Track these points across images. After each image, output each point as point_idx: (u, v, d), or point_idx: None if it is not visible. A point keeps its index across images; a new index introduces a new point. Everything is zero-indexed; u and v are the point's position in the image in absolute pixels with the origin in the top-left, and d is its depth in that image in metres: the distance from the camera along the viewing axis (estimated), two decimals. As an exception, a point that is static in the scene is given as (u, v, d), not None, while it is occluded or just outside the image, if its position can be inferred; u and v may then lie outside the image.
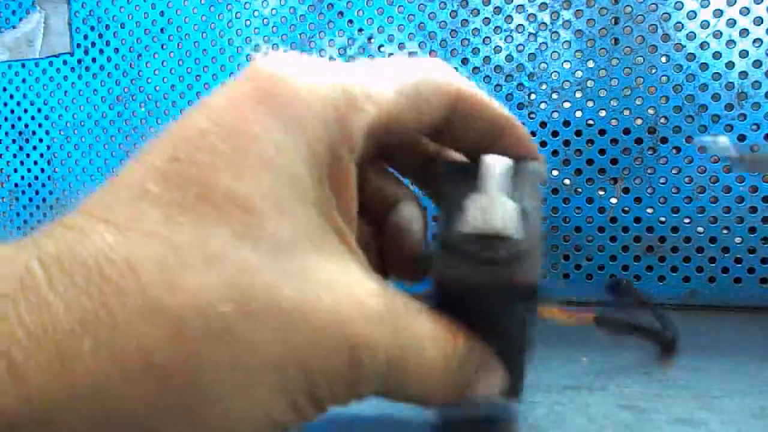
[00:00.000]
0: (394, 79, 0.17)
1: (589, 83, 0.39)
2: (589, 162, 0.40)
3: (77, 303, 0.12)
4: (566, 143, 0.40)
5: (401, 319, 0.15)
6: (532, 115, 0.41)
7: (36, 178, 0.55)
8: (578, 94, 0.40)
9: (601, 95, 0.39)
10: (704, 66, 0.37)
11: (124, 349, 0.12)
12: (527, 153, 0.19)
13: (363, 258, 0.16)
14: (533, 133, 0.41)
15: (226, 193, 0.13)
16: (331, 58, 0.45)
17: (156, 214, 0.13)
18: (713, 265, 0.38)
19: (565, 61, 0.40)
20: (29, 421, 0.11)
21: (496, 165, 0.16)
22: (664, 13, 0.38)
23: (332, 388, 0.14)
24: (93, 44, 0.53)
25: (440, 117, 0.18)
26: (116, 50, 0.52)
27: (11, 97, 0.56)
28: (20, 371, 0.11)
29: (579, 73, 0.40)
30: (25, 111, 0.55)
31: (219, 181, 0.14)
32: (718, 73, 0.37)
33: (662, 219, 0.39)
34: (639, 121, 0.39)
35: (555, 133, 0.40)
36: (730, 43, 0.37)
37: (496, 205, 0.16)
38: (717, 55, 0.37)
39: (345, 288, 0.14)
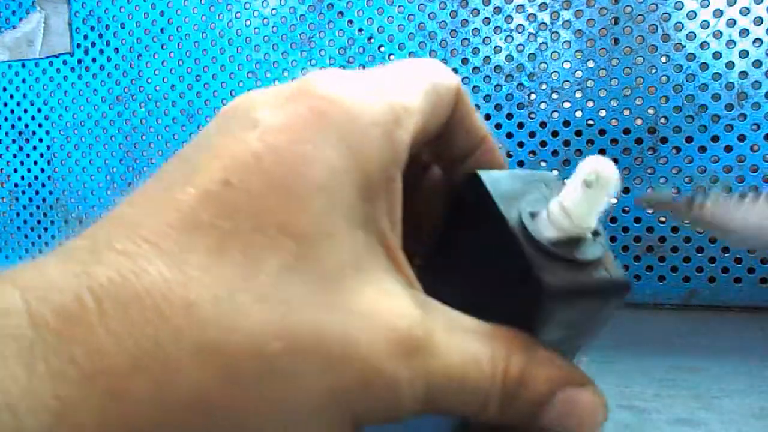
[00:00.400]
0: (417, 83, 0.17)
1: (589, 83, 0.39)
2: (589, 162, 0.40)
3: (132, 342, 0.12)
4: (566, 143, 0.40)
5: (442, 344, 0.15)
6: (532, 115, 0.41)
7: (36, 178, 0.55)
8: (578, 94, 0.40)
9: (601, 95, 0.39)
10: (704, 66, 0.37)
11: (178, 390, 0.12)
12: (500, 164, 0.20)
13: (409, 270, 0.16)
14: (533, 134, 0.41)
15: (278, 221, 0.13)
16: (331, 58, 0.45)
17: (208, 244, 0.13)
18: (713, 265, 0.38)
19: (565, 61, 0.40)
20: None
21: (606, 168, 0.15)
22: (664, 13, 0.38)
23: (372, 417, 0.14)
24: (93, 44, 0.53)
25: (446, 118, 0.18)
26: (116, 50, 0.52)
27: (11, 97, 0.56)
28: (72, 412, 0.11)
29: (579, 73, 0.40)
30: (25, 111, 0.55)
31: (271, 209, 0.13)
32: (718, 73, 0.37)
33: (662, 219, 0.39)
34: (639, 121, 0.39)
35: (555, 133, 0.40)
36: (730, 43, 0.37)
37: (582, 207, 0.15)
38: (717, 55, 0.37)
39: (387, 318, 0.14)
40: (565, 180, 0.19)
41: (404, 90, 0.16)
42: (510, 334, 0.16)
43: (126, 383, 0.11)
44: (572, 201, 0.15)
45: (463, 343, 0.15)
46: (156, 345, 0.12)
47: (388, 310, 0.14)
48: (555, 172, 0.19)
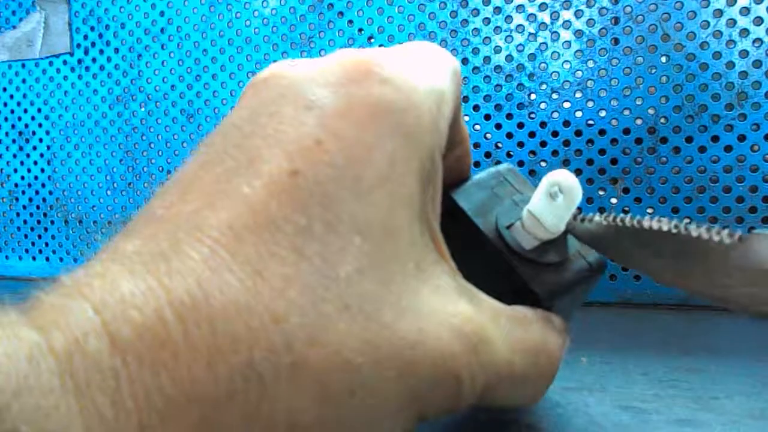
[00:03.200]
0: (444, 67, 0.17)
1: (589, 83, 0.39)
2: (589, 162, 0.40)
3: (225, 365, 0.11)
4: (566, 143, 0.40)
5: (493, 336, 0.15)
6: (532, 115, 0.41)
7: (36, 178, 0.55)
8: (578, 94, 0.40)
9: (601, 95, 0.39)
10: (704, 66, 0.37)
11: (274, 416, 0.11)
12: (468, 172, 0.20)
13: (450, 258, 0.16)
14: (533, 134, 0.41)
15: (348, 217, 0.13)
16: (331, 58, 0.45)
17: (286, 248, 0.12)
18: (713, 265, 0.38)
19: (565, 61, 0.40)
20: None
21: (567, 179, 0.17)
22: (664, 13, 0.38)
23: (435, 412, 0.14)
24: (93, 44, 0.53)
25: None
26: (116, 50, 0.52)
27: (11, 97, 0.56)
28: None
29: (579, 73, 0.40)
30: (25, 111, 0.55)
31: (341, 203, 0.13)
32: (718, 73, 0.37)
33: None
34: (639, 121, 0.39)
35: (555, 133, 0.40)
36: (730, 43, 0.37)
37: (551, 216, 0.17)
38: (717, 55, 0.37)
39: (445, 317, 0.14)
40: (519, 172, 0.21)
41: (438, 74, 0.16)
42: (538, 315, 0.17)
43: (219, 413, 0.11)
44: (542, 213, 0.17)
45: (509, 332, 0.16)
46: (250, 367, 0.11)
47: (444, 308, 0.14)
48: (507, 166, 0.20)
